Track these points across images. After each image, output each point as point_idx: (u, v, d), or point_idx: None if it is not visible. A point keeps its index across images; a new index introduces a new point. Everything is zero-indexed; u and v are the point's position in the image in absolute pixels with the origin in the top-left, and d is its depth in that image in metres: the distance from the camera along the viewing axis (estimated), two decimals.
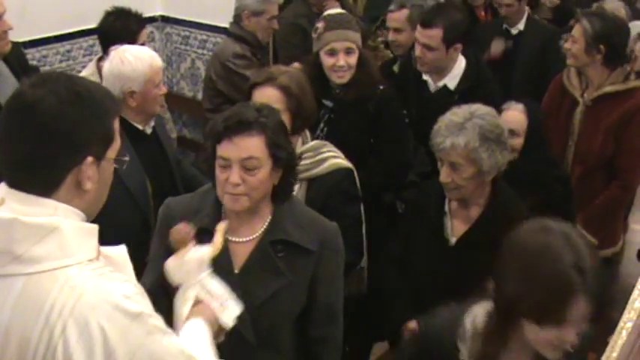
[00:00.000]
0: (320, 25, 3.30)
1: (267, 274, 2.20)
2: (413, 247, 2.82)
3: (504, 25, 4.99)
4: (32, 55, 4.90)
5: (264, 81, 2.67)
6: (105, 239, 1.64)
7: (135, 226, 3.00)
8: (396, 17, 4.06)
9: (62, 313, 1.46)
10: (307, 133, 2.84)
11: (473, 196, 2.68)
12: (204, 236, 2.05)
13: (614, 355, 0.94)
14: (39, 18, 4.89)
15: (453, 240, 2.73)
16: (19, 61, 4.01)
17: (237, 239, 2.21)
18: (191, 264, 1.93)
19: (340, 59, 3.23)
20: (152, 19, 5.66)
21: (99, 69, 3.47)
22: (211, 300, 1.92)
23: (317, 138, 3.03)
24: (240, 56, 4.18)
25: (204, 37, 5.69)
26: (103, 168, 1.58)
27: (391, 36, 4.10)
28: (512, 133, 3.10)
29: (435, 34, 3.48)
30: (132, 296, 1.52)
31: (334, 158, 2.78)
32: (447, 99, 3.46)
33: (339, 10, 3.47)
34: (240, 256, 2.21)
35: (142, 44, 3.61)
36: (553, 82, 3.92)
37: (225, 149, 2.08)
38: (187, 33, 5.79)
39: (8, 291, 1.48)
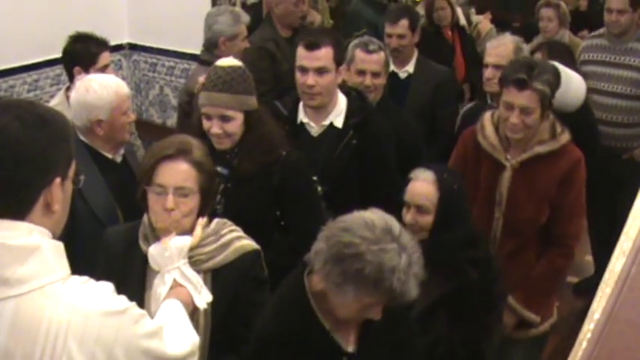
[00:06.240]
0: (201, 79, 2.86)
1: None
2: None
3: (391, 67, 3.96)
4: None
5: (176, 153, 2.24)
6: (75, 268, 1.65)
7: None
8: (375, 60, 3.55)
9: (60, 328, 1.52)
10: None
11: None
12: None
13: None
14: (5, 48, 4.88)
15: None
16: None
17: None
18: (172, 250, 2.16)
19: (214, 126, 2.77)
20: (119, 47, 5.67)
21: (67, 98, 3.46)
22: (188, 284, 2.14)
23: (214, 213, 2.56)
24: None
25: (172, 63, 5.71)
26: (65, 188, 1.63)
27: (368, 81, 3.55)
28: (420, 210, 2.59)
29: (324, 55, 3.04)
30: (112, 295, 1.63)
31: (238, 240, 2.35)
32: (337, 138, 3.14)
33: (231, 62, 2.84)
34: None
35: (104, 67, 3.61)
36: (462, 141, 3.18)
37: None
38: (155, 60, 5.81)
39: (1, 315, 1.51)
